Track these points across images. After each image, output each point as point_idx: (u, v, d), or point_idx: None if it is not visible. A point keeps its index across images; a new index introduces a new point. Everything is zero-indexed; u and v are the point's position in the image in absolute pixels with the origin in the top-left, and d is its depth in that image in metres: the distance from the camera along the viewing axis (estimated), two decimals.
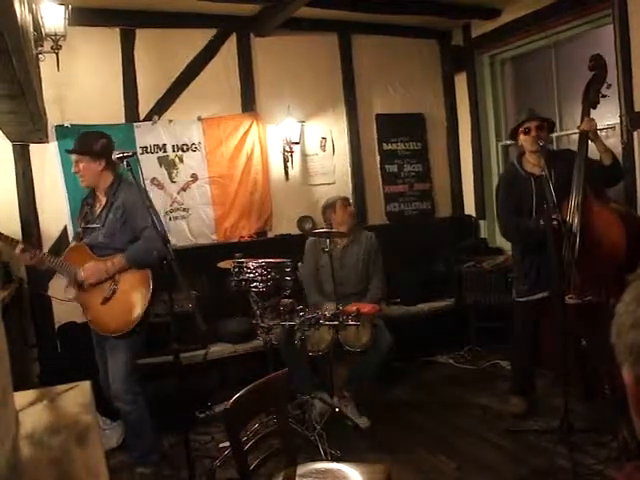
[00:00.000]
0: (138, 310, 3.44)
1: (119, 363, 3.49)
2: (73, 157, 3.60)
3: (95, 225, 3.57)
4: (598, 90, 3.75)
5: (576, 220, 3.58)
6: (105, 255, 3.51)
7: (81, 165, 3.53)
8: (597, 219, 3.59)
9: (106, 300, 3.49)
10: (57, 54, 4.07)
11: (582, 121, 3.72)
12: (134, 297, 3.47)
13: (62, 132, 4.75)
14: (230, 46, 5.41)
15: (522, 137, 3.93)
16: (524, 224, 3.86)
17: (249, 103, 5.48)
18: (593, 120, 3.70)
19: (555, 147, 5.38)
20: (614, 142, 4.73)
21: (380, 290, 4.63)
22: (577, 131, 3.83)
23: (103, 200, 3.59)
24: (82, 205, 3.75)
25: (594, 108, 3.77)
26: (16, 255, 3.46)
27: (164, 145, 5.17)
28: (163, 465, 3.66)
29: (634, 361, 0.76)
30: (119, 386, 3.48)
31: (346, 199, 4.78)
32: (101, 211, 3.57)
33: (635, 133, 4.56)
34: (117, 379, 3.48)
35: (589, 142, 3.69)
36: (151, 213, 3.13)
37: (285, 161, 5.62)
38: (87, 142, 3.53)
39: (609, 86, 3.78)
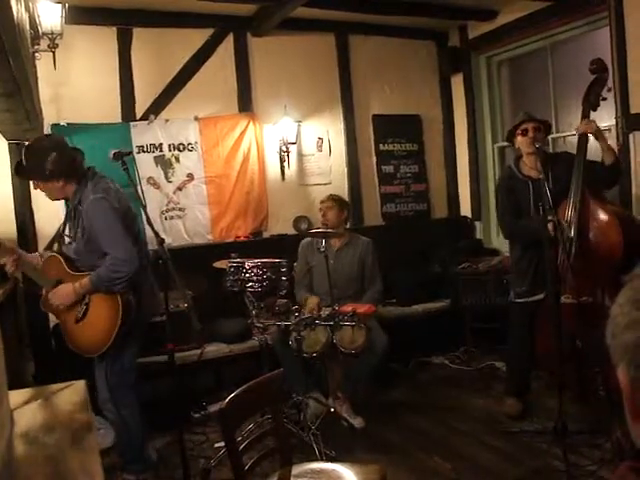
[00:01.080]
0: (109, 333, 3.17)
1: (100, 376, 3.35)
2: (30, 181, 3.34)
3: (68, 237, 3.39)
4: (599, 93, 3.76)
5: (574, 221, 3.59)
6: (80, 269, 3.27)
7: (40, 186, 3.27)
8: (595, 220, 3.61)
9: (78, 320, 3.28)
10: (54, 53, 4.07)
11: (581, 122, 3.73)
12: (104, 319, 3.20)
13: (58, 131, 4.73)
14: (227, 46, 5.41)
15: (519, 139, 3.94)
16: (528, 225, 3.86)
17: (246, 103, 5.48)
18: (593, 121, 3.71)
19: (551, 149, 5.39)
20: (610, 144, 4.74)
21: (377, 294, 4.63)
22: (574, 133, 3.84)
23: (71, 208, 3.34)
24: (66, 213, 3.53)
25: (594, 110, 3.79)
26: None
27: (160, 144, 5.16)
28: (158, 466, 3.66)
29: (629, 362, 0.77)
30: (102, 396, 3.37)
31: (338, 200, 4.76)
32: (72, 222, 3.34)
33: (631, 135, 4.57)
34: (100, 389, 3.37)
35: (588, 143, 3.69)
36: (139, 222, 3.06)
37: (282, 161, 5.62)
38: (35, 164, 3.16)
39: (609, 89, 3.80)
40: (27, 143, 3.40)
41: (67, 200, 3.43)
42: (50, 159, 3.09)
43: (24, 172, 3.30)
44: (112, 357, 3.29)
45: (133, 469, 3.53)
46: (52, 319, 4.67)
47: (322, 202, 4.72)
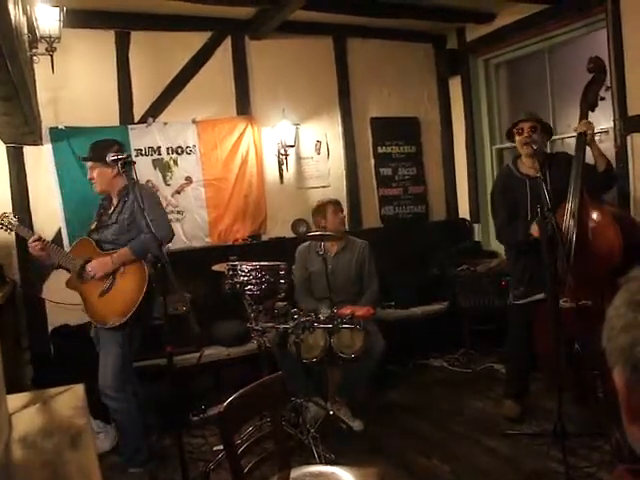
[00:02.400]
0: (131, 305, 3.52)
1: (109, 357, 3.54)
2: (88, 164, 3.74)
3: (107, 223, 3.72)
4: (597, 92, 3.75)
5: (572, 223, 3.59)
6: (110, 251, 3.65)
7: (95, 172, 3.68)
8: (593, 221, 3.61)
9: (103, 293, 3.60)
10: (51, 56, 4.07)
11: (580, 123, 3.73)
12: (129, 292, 3.56)
13: (56, 134, 4.74)
14: (225, 49, 5.42)
15: (516, 137, 3.96)
16: (517, 230, 3.87)
17: (244, 106, 5.48)
18: (591, 122, 3.71)
19: (549, 151, 5.39)
20: (608, 146, 4.75)
21: (374, 294, 4.63)
22: (572, 134, 3.84)
23: (115, 201, 3.75)
24: (98, 207, 3.88)
25: (592, 110, 3.78)
26: (29, 244, 3.62)
27: (159, 148, 5.16)
28: (158, 468, 3.66)
29: (624, 364, 0.77)
30: (108, 382, 3.51)
31: (337, 204, 4.72)
32: (113, 211, 3.73)
33: (629, 137, 4.58)
34: (106, 374, 3.52)
35: (586, 145, 3.70)
36: (145, 216, 3.14)
37: (280, 164, 5.62)
38: (100, 150, 3.63)
39: (607, 88, 3.79)
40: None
41: (103, 200, 3.86)
42: (113, 148, 3.56)
43: (88, 157, 3.72)
44: (127, 335, 3.56)
45: (138, 460, 3.58)
46: (51, 322, 4.68)
47: (331, 215, 4.60)
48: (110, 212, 3.75)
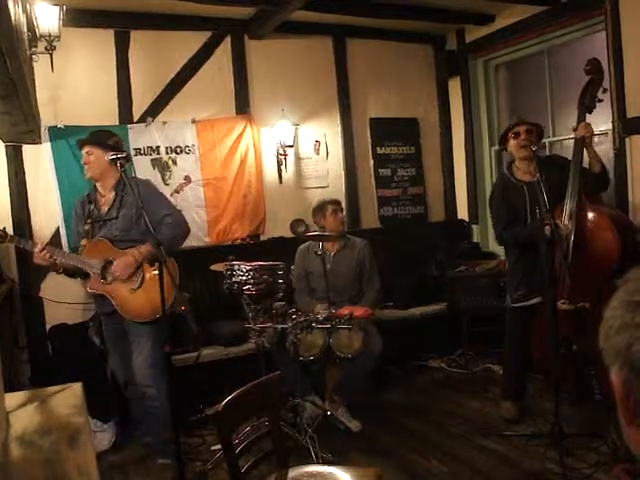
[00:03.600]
0: (167, 296, 3.43)
1: (146, 350, 3.57)
2: (85, 149, 3.68)
3: (104, 219, 3.66)
4: (594, 94, 3.76)
5: (570, 225, 3.59)
6: (125, 247, 3.61)
7: (92, 157, 3.63)
8: (591, 224, 3.61)
9: (135, 289, 3.59)
10: (51, 55, 4.07)
11: (578, 126, 3.73)
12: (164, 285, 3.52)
13: (55, 133, 4.74)
14: (225, 49, 5.42)
15: (511, 142, 3.96)
16: (517, 233, 3.88)
17: (243, 106, 5.48)
18: (589, 125, 3.71)
19: (548, 153, 5.40)
20: (606, 148, 4.76)
21: (376, 296, 4.62)
22: (571, 136, 3.84)
23: (110, 195, 3.68)
24: (81, 204, 3.78)
25: (590, 113, 3.78)
26: (35, 255, 3.51)
27: (157, 147, 5.16)
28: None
29: (621, 364, 0.77)
30: (147, 372, 3.56)
31: (337, 203, 4.70)
32: (111, 206, 3.66)
33: (627, 139, 4.59)
34: (144, 366, 3.56)
35: (584, 147, 3.70)
36: (144, 215, 3.12)
37: (279, 164, 5.62)
38: (99, 135, 3.68)
39: (605, 90, 3.80)
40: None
41: (89, 193, 3.78)
42: (113, 139, 3.66)
43: (87, 139, 3.72)
44: (161, 327, 3.46)
45: (169, 450, 3.55)
46: (49, 321, 4.68)
47: (331, 215, 4.58)
48: (106, 208, 3.67)
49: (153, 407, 3.62)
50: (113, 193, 3.67)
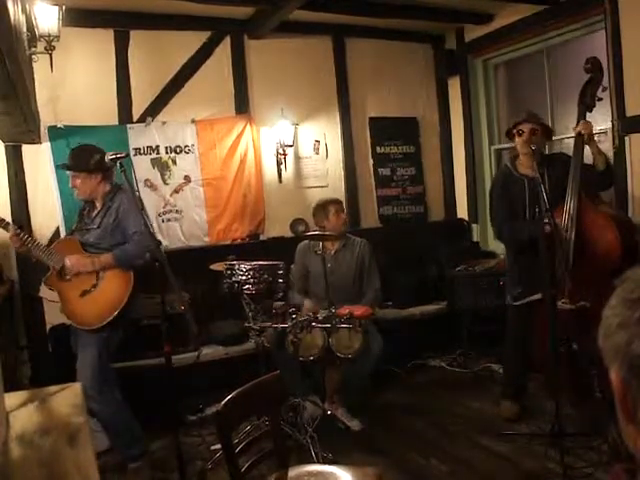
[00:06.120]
0: (113, 308, 3.48)
1: (87, 359, 3.50)
2: (69, 173, 3.67)
3: (89, 227, 3.66)
4: (594, 93, 3.76)
5: (571, 224, 3.59)
6: (94, 254, 3.59)
7: (78, 181, 3.62)
8: (592, 223, 3.61)
9: (85, 293, 3.54)
10: (51, 55, 4.06)
11: (578, 124, 3.73)
12: (112, 295, 3.52)
13: (55, 133, 4.74)
14: (224, 48, 5.42)
15: (516, 138, 3.96)
16: (517, 227, 3.88)
17: (243, 105, 5.48)
18: (589, 123, 3.71)
19: (547, 152, 5.39)
20: (606, 147, 4.76)
21: (375, 295, 4.61)
22: (571, 135, 3.84)
23: (99, 205, 3.69)
24: (80, 209, 3.83)
25: (590, 111, 3.78)
26: (8, 238, 3.53)
27: (157, 147, 5.16)
28: (155, 468, 3.66)
29: (621, 362, 0.77)
30: (87, 383, 3.40)
31: (339, 204, 4.67)
32: (96, 215, 3.67)
33: (627, 138, 4.59)
34: (85, 376, 3.45)
35: (584, 145, 3.70)
36: (144, 217, 3.12)
37: (278, 164, 5.62)
38: (82, 159, 3.60)
39: (604, 89, 3.80)
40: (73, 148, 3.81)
41: (86, 202, 3.77)
42: (95, 158, 3.57)
43: (70, 166, 3.65)
44: (106, 337, 3.52)
45: (134, 455, 3.58)
46: (49, 321, 4.68)
47: (334, 215, 4.55)
48: (93, 215, 3.69)
49: (101, 420, 3.58)
50: (102, 202, 3.68)
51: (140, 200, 3.26)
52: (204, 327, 4.68)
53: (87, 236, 3.65)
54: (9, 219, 4.55)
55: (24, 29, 3.44)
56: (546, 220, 3.44)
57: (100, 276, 3.55)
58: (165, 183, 5.20)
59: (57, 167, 3.84)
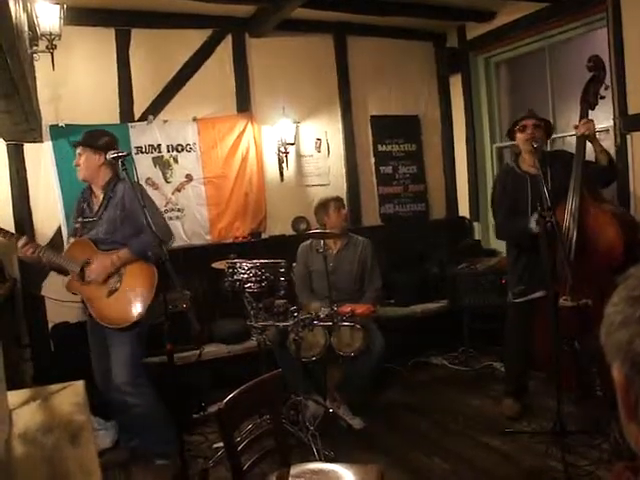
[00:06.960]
0: (142, 304, 3.48)
1: (124, 355, 3.52)
2: (77, 150, 3.67)
3: (93, 219, 3.64)
4: (596, 91, 3.76)
5: (572, 222, 3.59)
6: (109, 249, 3.58)
7: (82, 158, 3.62)
8: (593, 221, 3.61)
9: (111, 293, 3.54)
10: (52, 54, 4.06)
11: (580, 122, 3.73)
12: (139, 291, 3.52)
13: (56, 132, 4.74)
14: (225, 47, 5.41)
15: (518, 135, 3.96)
16: (517, 225, 3.88)
17: (244, 104, 5.48)
18: (592, 121, 3.71)
19: (549, 149, 5.39)
20: (608, 145, 4.74)
21: (377, 294, 4.62)
22: (572, 133, 3.84)
23: (100, 196, 3.66)
24: (78, 202, 3.79)
25: (592, 109, 3.78)
26: (18, 250, 3.51)
27: (159, 145, 5.16)
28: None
29: (623, 360, 0.77)
30: (124, 379, 3.51)
31: (339, 200, 4.70)
32: (99, 206, 3.64)
33: (629, 136, 4.58)
34: (122, 372, 3.51)
35: (586, 143, 3.70)
36: (146, 213, 3.12)
37: (280, 162, 5.62)
38: (92, 137, 3.66)
39: (607, 87, 3.79)
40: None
41: (84, 191, 3.77)
42: (104, 139, 3.63)
43: (80, 141, 3.68)
44: (137, 333, 3.52)
45: (164, 451, 3.57)
46: (51, 319, 4.68)
47: (334, 212, 4.57)
48: (95, 207, 3.67)
49: (138, 415, 3.59)
50: (103, 193, 3.66)
51: (149, 198, 3.26)
52: (206, 325, 4.68)
53: (94, 231, 3.62)
54: (11, 218, 4.59)
55: (25, 28, 3.44)
56: (547, 218, 3.43)
57: (122, 273, 3.55)
58: (167, 182, 5.20)
59: (72, 144, 3.84)
